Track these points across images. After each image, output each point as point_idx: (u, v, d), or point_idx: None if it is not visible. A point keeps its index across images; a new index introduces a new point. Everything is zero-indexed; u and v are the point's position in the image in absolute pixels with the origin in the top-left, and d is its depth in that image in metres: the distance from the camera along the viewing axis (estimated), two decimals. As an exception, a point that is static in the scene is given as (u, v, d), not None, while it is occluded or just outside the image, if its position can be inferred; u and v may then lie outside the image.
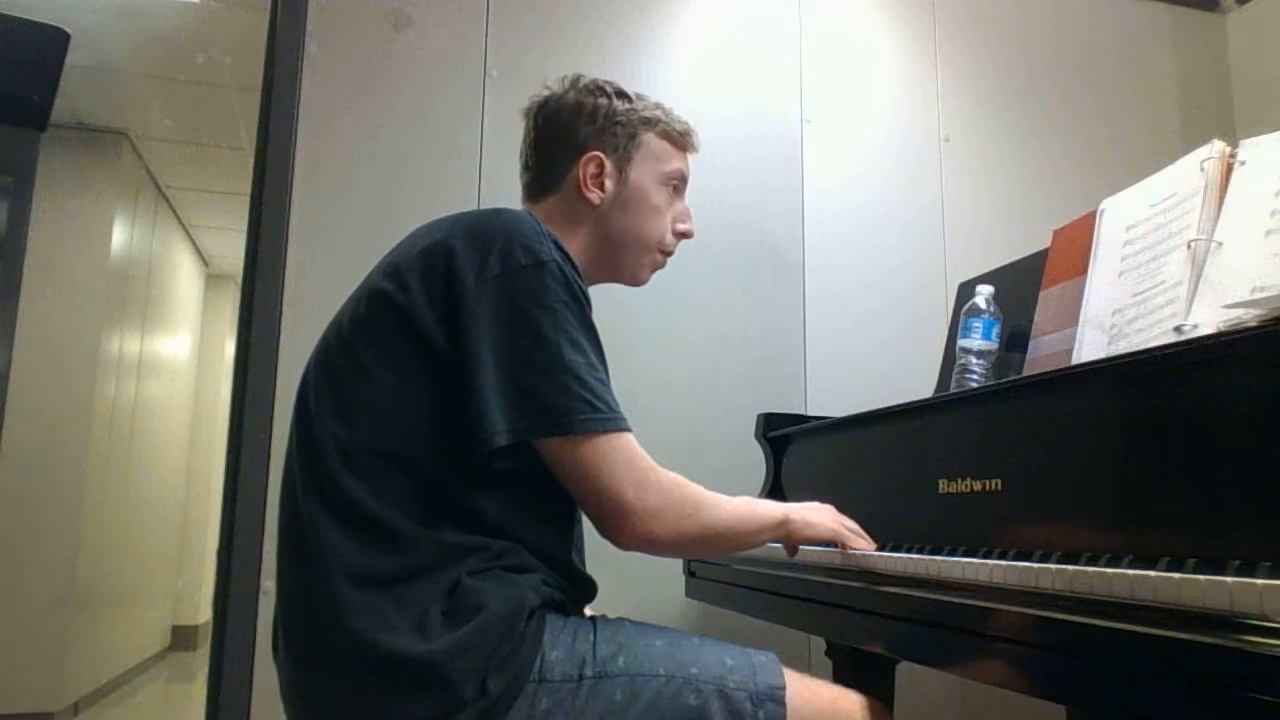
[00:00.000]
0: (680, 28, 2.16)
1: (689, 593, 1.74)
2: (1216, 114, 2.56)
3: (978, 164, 2.33)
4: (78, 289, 4.00)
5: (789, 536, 1.10)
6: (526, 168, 1.21)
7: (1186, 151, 1.17)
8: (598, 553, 1.10)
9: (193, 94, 3.85)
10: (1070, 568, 0.79)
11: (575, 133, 1.15)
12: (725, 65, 2.18)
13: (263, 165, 1.85)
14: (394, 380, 0.93)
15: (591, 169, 1.15)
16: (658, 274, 1.26)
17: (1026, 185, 2.35)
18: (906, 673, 1.40)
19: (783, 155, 2.18)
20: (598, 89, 1.18)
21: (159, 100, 3.94)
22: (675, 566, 1.74)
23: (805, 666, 1.10)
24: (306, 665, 0.93)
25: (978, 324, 1.41)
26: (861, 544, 1.14)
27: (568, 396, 0.90)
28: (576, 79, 1.19)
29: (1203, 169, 1.12)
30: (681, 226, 1.22)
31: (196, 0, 3.19)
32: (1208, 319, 1.01)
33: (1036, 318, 1.36)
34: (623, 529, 0.94)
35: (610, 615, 1.03)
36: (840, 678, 1.43)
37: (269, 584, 1.69)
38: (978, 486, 1.08)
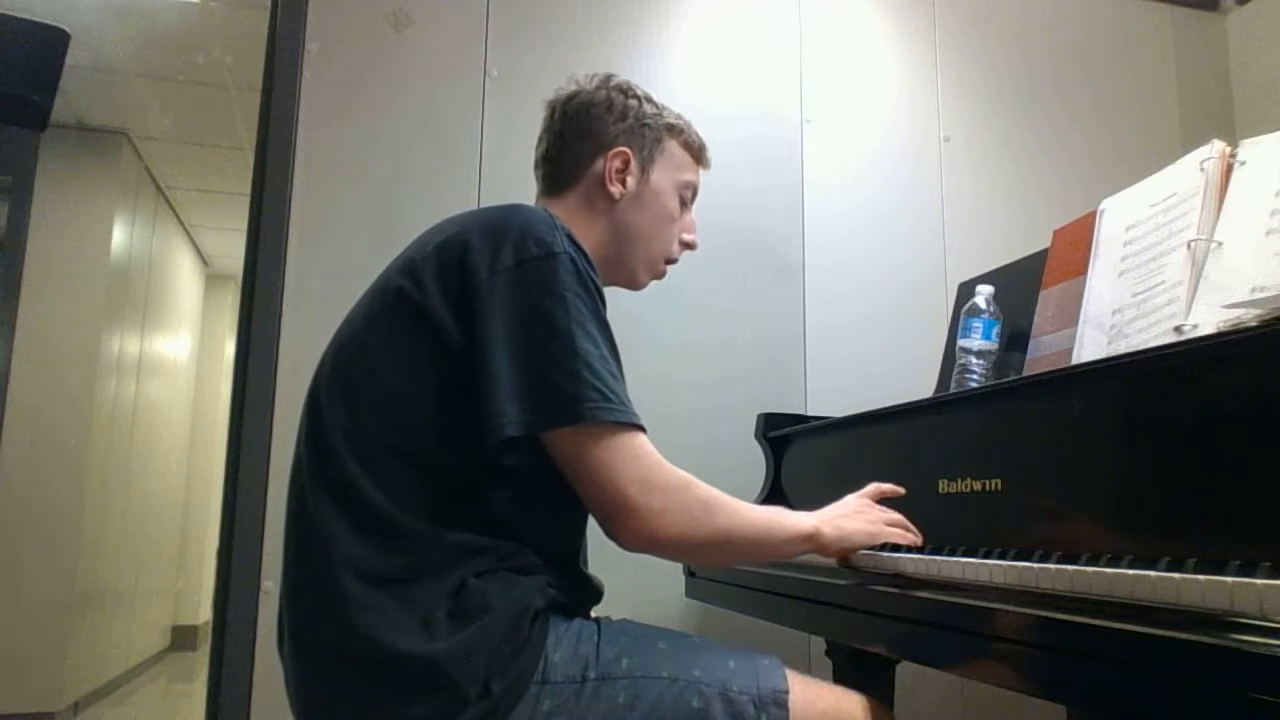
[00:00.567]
0: (680, 28, 2.16)
1: (689, 593, 1.74)
2: (1216, 114, 2.56)
3: (978, 164, 2.33)
4: (78, 289, 4.00)
5: (823, 549, 1.04)
6: (547, 159, 1.20)
7: (1186, 151, 1.17)
8: (598, 552, 1.10)
9: (193, 94, 3.85)
10: (1070, 568, 0.79)
11: (605, 128, 1.17)
12: (725, 65, 2.18)
13: (263, 165, 1.85)
14: (408, 376, 0.93)
15: (617, 164, 1.16)
16: (658, 274, 1.27)
17: (1026, 185, 2.35)
18: (906, 673, 1.40)
19: (783, 155, 2.18)
20: (629, 89, 1.20)
21: (159, 100, 3.94)
22: (676, 567, 1.74)
23: (805, 667, 1.10)
24: (310, 662, 0.93)
25: (978, 324, 1.41)
26: (909, 538, 1.09)
27: (578, 384, 0.89)
28: (608, 78, 1.21)
29: (1203, 169, 1.12)
30: (688, 237, 1.24)
31: (196, 0, 3.19)
32: (1208, 319, 1.01)
33: (1036, 318, 1.36)
34: (625, 528, 0.92)
35: (611, 616, 1.03)
36: (840, 678, 1.43)
37: (269, 584, 1.69)
38: (978, 486, 1.08)
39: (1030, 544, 0.95)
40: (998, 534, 1.02)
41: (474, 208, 1.11)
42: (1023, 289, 1.42)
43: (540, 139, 1.22)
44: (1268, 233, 1.01)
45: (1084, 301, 1.25)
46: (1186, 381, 0.85)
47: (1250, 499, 0.76)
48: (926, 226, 2.26)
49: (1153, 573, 0.70)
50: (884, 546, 1.11)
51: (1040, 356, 1.32)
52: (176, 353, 5.69)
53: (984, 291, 1.42)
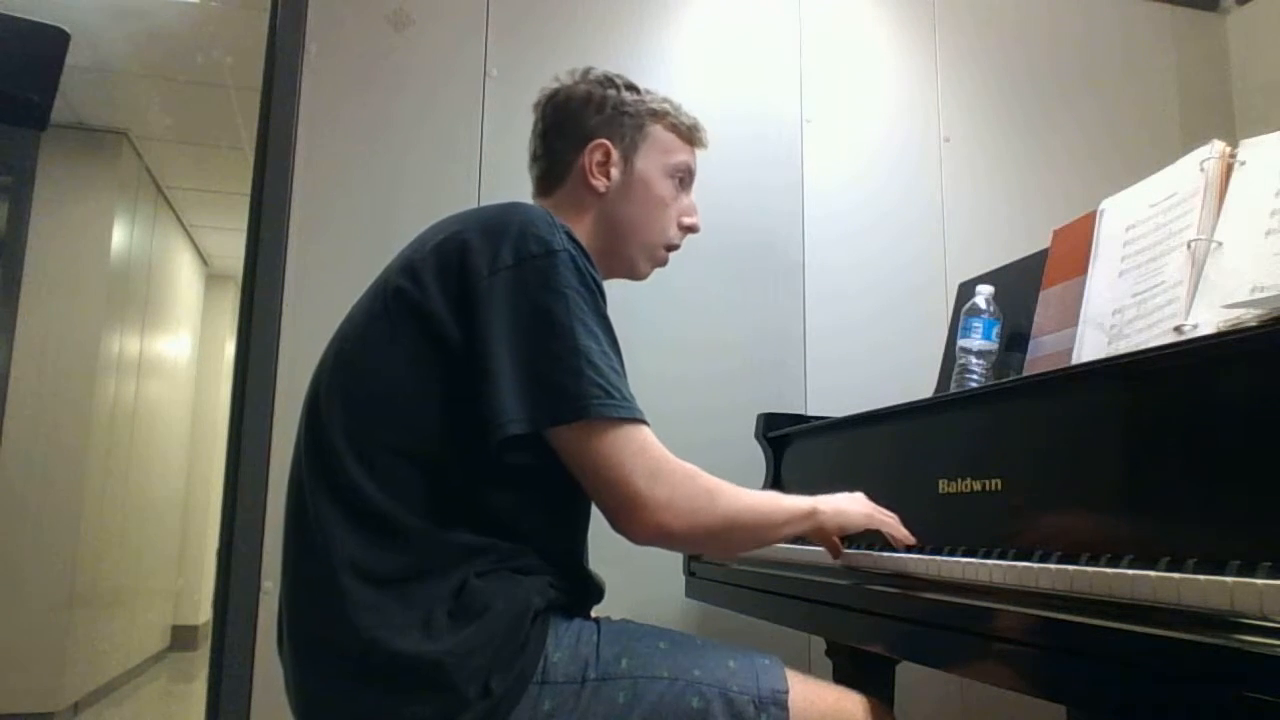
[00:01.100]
0: (680, 28, 2.16)
1: (689, 593, 1.74)
2: (1216, 114, 2.56)
3: (978, 164, 2.33)
4: (78, 289, 4.00)
5: (820, 528, 1.06)
6: (535, 159, 1.21)
7: (1186, 151, 1.17)
8: (599, 552, 1.10)
9: (193, 94, 3.85)
10: (1070, 568, 0.79)
11: (583, 122, 1.16)
12: (725, 65, 2.18)
13: (263, 165, 1.85)
14: (409, 375, 0.93)
15: (598, 157, 1.15)
16: (659, 274, 1.26)
17: (1026, 185, 2.35)
18: (906, 673, 1.40)
19: (783, 155, 2.18)
20: (607, 80, 1.18)
21: (159, 100, 3.94)
22: (676, 567, 1.74)
23: (805, 666, 1.10)
24: (310, 662, 0.93)
25: (978, 324, 1.41)
26: (900, 533, 1.10)
27: (581, 381, 0.89)
28: (587, 71, 1.20)
29: (1203, 169, 1.12)
30: (687, 220, 1.22)
31: (196, 0, 3.19)
32: (1208, 319, 1.01)
33: (1036, 318, 1.36)
34: (634, 521, 0.92)
35: (611, 615, 1.03)
36: (840, 678, 1.43)
37: (269, 584, 1.69)
38: (978, 486, 1.08)
39: (1030, 544, 0.95)
40: (998, 534, 1.02)
41: (473, 207, 1.11)
42: (1023, 289, 1.42)
43: (530, 141, 1.22)
44: (1268, 233, 1.01)
45: (1084, 301, 1.25)
46: (1186, 381, 0.85)
47: (1250, 499, 0.76)
48: (926, 226, 2.26)
49: (1153, 573, 0.70)
50: (883, 546, 1.12)
51: (1040, 356, 1.32)
52: (176, 353, 5.69)
53: (984, 291, 1.42)
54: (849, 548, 1.16)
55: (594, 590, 1.07)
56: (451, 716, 0.85)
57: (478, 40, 2.01)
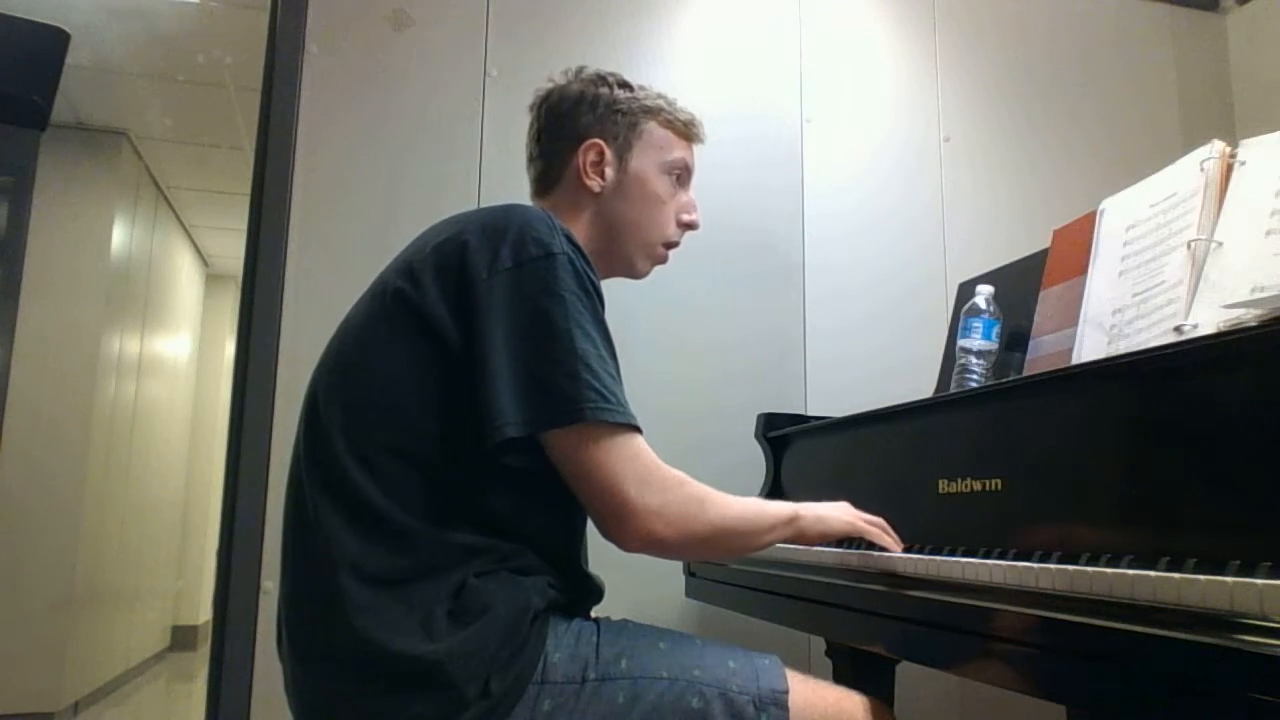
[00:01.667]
0: (680, 28, 2.16)
1: (689, 593, 1.74)
2: (1216, 114, 2.56)
3: (978, 164, 2.33)
4: (78, 289, 4.00)
5: (801, 534, 1.06)
6: (531, 160, 1.21)
7: (1186, 151, 1.17)
8: (599, 552, 1.10)
9: (193, 94, 3.85)
10: (1070, 568, 0.79)
11: (577, 122, 1.16)
12: (725, 65, 2.18)
13: (263, 165, 1.85)
14: (408, 376, 0.93)
15: (591, 156, 1.15)
16: (658, 274, 1.26)
17: (1026, 185, 2.35)
18: (906, 673, 1.40)
19: (783, 155, 2.18)
20: (600, 79, 1.18)
21: (159, 100, 3.94)
22: (675, 567, 1.74)
23: (805, 667, 1.10)
24: (310, 662, 0.93)
25: (978, 324, 1.41)
26: (886, 539, 1.11)
27: (577, 384, 0.89)
28: (580, 70, 1.20)
29: (1203, 169, 1.12)
30: (686, 217, 1.22)
31: (196, 0, 3.19)
32: (1208, 319, 1.01)
33: (1036, 318, 1.36)
34: (624, 529, 0.92)
35: (611, 616, 1.03)
36: (840, 678, 1.43)
37: (269, 584, 1.69)
38: (978, 486, 1.08)
39: (1030, 544, 0.95)
40: (998, 534, 1.02)
41: (474, 207, 1.11)
42: (1023, 289, 1.42)
43: (526, 143, 1.22)
44: (1268, 233, 1.01)
45: (1084, 301, 1.25)
46: (1186, 381, 0.85)
47: (1250, 499, 0.76)
48: (926, 226, 2.26)
49: (1153, 573, 0.70)
50: (872, 546, 1.11)
51: (1040, 356, 1.32)
52: (176, 353, 5.69)
53: (984, 291, 1.42)
54: (851, 548, 1.16)
55: (594, 590, 1.07)
56: (451, 717, 0.85)
57: (478, 40, 2.01)
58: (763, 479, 1.69)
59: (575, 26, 2.08)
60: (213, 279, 6.50)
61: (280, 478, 1.47)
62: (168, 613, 5.83)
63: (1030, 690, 0.80)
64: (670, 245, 1.22)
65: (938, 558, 0.98)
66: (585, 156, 1.15)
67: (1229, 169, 1.10)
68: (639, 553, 0.95)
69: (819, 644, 1.67)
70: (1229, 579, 0.64)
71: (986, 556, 0.94)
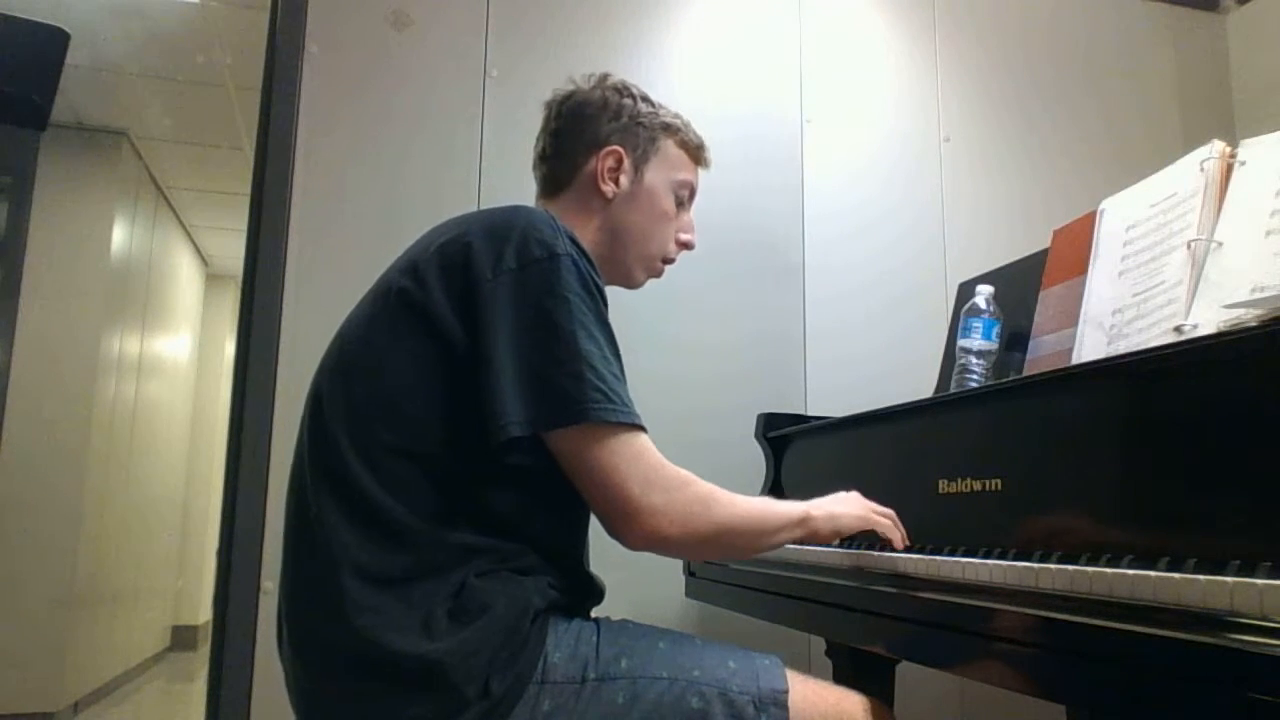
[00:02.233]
0: (680, 28, 2.16)
1: (689, 593, 1.74)
2: (1216, 114, 2.56)
3: (978, 164, 2.33)
4: (78, 289, 4.00)
5: (813, 535, 1.05)
6: (544, 158, 1.21)
7: (1186, 151, 1.17)
8: (599, 552, 1.10)
9: (193, 94, 3.85)
10: (1070, 568, 0.79)
11: (599, 127, 1.17)
12: (725, 66, 2.17)
13: (263, 165, 1.85)
14: (411, 376, 0.94)
15: (610, 163, 1.16)
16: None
17: (1026, 185, 2.35)
18: (906, 673, 1.40)
19: (783, 155, 2.18)
20: (625, 89, 1.20)
21: (159, 100, 3.94)
22: (675, 567, 1.74)
23: (805, 666, 1.10)
24: (310, 661, 0.93)
25: (978, 324, 1.41)
26: (895, 534, 1.10)
27: (581, 385, 0.90)
28: (604, 77, 1.21)
29: (1203, 169, 1.12)
30: (684, 237, 1.24)
31: (196, 0, 3.19)
32: (1208, 319, 1.01)
33: (1036, 318, 1.36)
34: (629, 528, 0.92)
35: (611, 616, 1.03)
36: (840, 678, 1.43)
37: (269, 584, 1.69)
38: (978, 486, 1.08)
39: (1030, 544, 0.95)
40: (998, 534, 1.02)
41: (474, 207, 1.12)
42: (1023, 289, 1.42)
43: (538, 139, 1.22)
44: (1268, 233, 1.01)
45: (1084, 301, 1.25)
46: (1186, 381, 0.85)
47: (1250, 499, 0.76)
48: (926, 226, 2.26)
49: (1153, 573, 0.70)
50: (884, 545, 1.12)
51: (1040, 356, 1.32)
52: (176, 353, 5.69)
53: (984, 291, 1.42)
54: (851, 548, 1.16)
55: (595, 591, 1.07)
56: (451, 716, 0.85)
57: (478, 40, 2.01)
58: (763, 479, 1.69)
59: (575, 27, 2.08)
60: (213, 279, 6.50)
61: (280, 478, 1.47)
62: (168, 613, 5.83)
63: (1030, 690, 0.80)
64: (667, 260, 1.24)
65: (938, 558, 0.98)
66: (604, 162, 1.16)
67: (1229, 169, 1.10)
68: (643, 550, 0.95)
69: (819, 644, 1.67)
70: (1229, 579, 0.64)
71: (986, 556, 0.94)
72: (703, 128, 1.26)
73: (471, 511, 0.93)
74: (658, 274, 1.25)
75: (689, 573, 1.71)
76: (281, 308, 1.80)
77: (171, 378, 5.59)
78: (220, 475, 1.92)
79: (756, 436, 1.72)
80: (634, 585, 1.54)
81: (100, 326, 4.05)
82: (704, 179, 1.27)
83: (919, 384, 1.72)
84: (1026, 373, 1.32)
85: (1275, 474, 0.74)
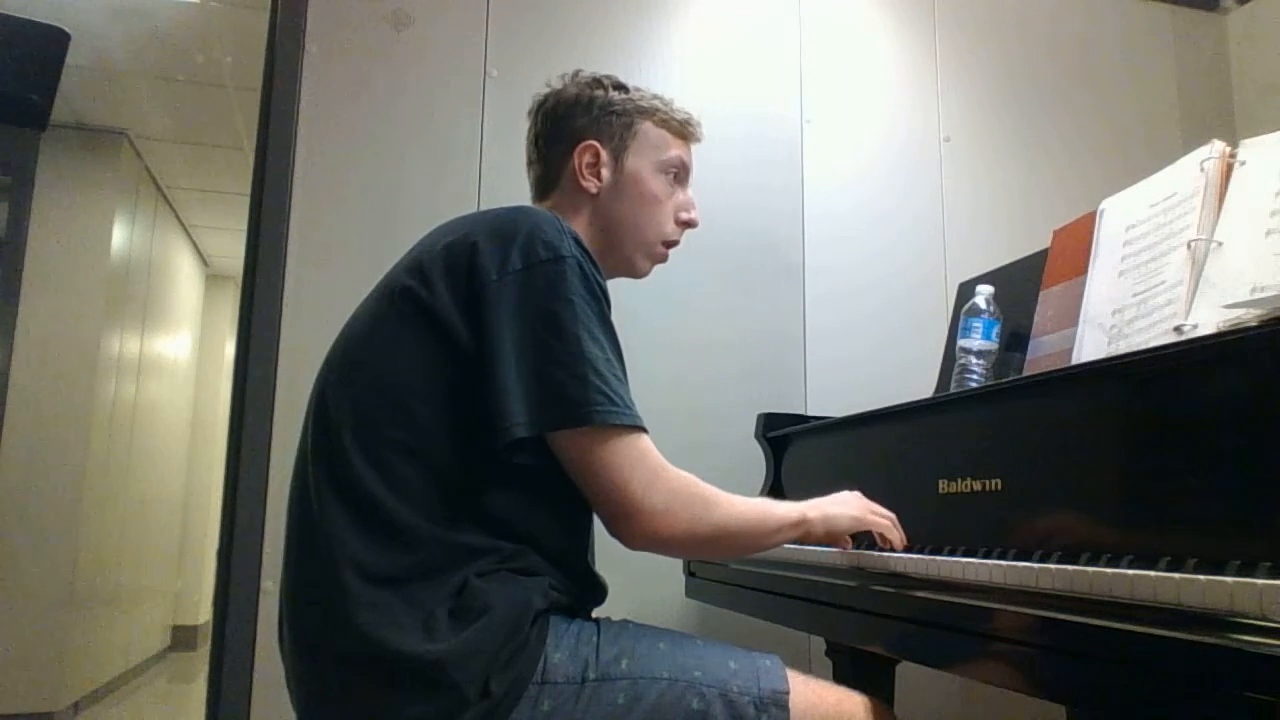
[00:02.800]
0: (680, 28, 2.16)
1: (689, 593, 1.74)
2: (1216, 114, 2.56)
3: (978, 164, 2.33)
4: (78, 289, 4.00)
5: (808, 536, 1.07)
6: (530, 165, 1.22)
7: (1186, 151, 1.17)
8: (599, 553, 1.10)
9: (193, 94, 3.85)
10: (1070, 568, 0.79)
11: (572, 124, 1.17)
12: (725, 65, 2.18)
13: (263, 165, 1.85)
14: (416, 375, 0.94)
15: (587, 158, 1.16)
16: (659, 274, 1.26)
17: (1026, 185, 2.35)
18: (906, 673, 1.40)
19: (783, 156, 2.18)
20: (595, 82, 1.19)
21: (159, 100, 3.94)
22: (676, 567, 1.74)
23: (805, 666, 1.10)
24: (311, 659, 0.93)
25: (978, 324, 1.41)
26: (893, 534, 1.10)
27: (585, 388, 0.90)
28: (576, 74, 1.21)
29: (1203, 169, 1.12)
30: (685, 215, 1.22)
31: (196, 0, 3.19)
32: (1208, 319, 1.01)
33: (1036, 318, 1.36)
34: (630, 528, 0.93)
35: (611, 616, 1.03)
36: (840, 678, 1.43)
37: (269, 584, 1.69)
38: (978, 486, 1.08)
39: (1030, 544, 0.95)
40: (998, 534, 1.02)
41: (474, 208, 1.12)
42: (1023, 289, 1.42)
43: (525, 147, 1.23)
44: (1268, 233, 1.01)
45: (1084, 301, 1.25)
46: (1186, 381, 0.85)
47: (1250, 499, 0.76)
48: (926, 226, 2.26)
49: (1153, 573, 0.70)
50: (882, 546, 1.12)
51: (1040, 356, 1.32)
52: (176, 353, 5.68)
53: (984, 291, 1.42)
54: (852, 548, 1.16)
55: (597, 591, 1.07)
56: (451, 716, 0.85)
57: (478, 40, 2.01)
58: (762, 479, 1.69)
59: (575, 27, 2.08)
60: (213, 279, 6.50)
61: (280, 478, 1.47)
62: (168, 613, 5.83)
63: (1030, 690, 0.80)
64: (670, 244, 1.23)
65: (938, 558, 0.98)
66: (581, 158, 1.16)
67: (1229, 169, 1.10)
68: (644, 550, 0.96)
69: (819, 644, 1.67)
70: (1229, 579, 0.64)
71: (986, 556, 0.94)
72: (703, 128, 1.26)
73: (474, 512, 0.93)
74: (662, 258, 1.23)
75: (689, 573, 1.71)
76: (281, 308, 1.80)
77: (171, 378, 5.58)
78: (220, 475, 1.92)
79: (756, 436, 1.72)
80: (634, 585, 1.54)
81: (100, 326, 4.05)
82: (705, 180, 1.27)
83: (919, 384, 1.72)
84: (1026, 373, 1.32)
85: (1275, 474, 0.74)
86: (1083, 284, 1.27)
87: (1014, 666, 0.81)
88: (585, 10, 2.09)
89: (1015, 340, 1.41)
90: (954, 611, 0.88)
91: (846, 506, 1.10)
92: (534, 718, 0.87)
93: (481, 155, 1.96)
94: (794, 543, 1.07)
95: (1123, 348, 1.13)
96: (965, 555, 0.98)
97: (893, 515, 1.13)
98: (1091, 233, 1.30)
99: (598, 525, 1.01)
